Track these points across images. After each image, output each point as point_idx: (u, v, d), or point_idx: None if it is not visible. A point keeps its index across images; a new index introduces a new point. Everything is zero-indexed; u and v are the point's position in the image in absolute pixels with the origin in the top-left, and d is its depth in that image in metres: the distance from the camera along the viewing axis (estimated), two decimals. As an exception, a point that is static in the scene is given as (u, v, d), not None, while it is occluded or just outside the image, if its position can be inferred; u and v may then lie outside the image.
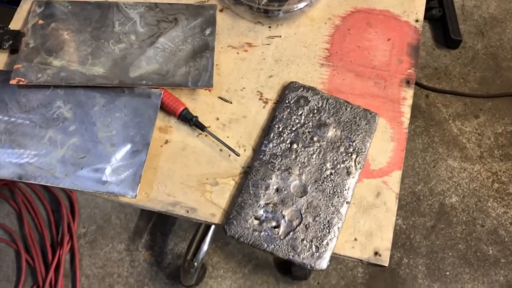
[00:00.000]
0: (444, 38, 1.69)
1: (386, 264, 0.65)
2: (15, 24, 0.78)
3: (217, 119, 0.73)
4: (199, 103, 0.73)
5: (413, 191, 1.50)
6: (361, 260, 0.66)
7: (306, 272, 1.35)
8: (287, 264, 1.36)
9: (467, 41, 1.71)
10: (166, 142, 0.71)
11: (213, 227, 1.35)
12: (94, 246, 1.42)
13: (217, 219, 0.67)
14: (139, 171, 0.67)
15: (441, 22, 1.69)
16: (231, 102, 0.74)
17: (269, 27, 0.79)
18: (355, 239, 0.66)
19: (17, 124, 0.69)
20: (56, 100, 0.71)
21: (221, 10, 0.80)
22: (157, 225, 1.44)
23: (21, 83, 0.71)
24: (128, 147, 0.68)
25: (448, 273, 1.40)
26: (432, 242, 1.44)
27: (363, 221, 0.67)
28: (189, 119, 0.71)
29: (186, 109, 0.71)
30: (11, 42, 0.75)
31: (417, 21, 0.80)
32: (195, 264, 1.29)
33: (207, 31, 0.76)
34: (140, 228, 1.44)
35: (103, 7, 0.78)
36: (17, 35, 0.76)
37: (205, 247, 1.31)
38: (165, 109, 0.72)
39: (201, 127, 0.71)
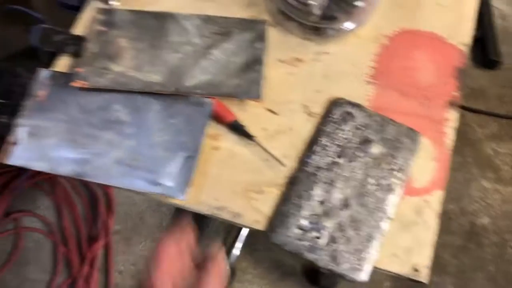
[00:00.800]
0: (483, 58, 1.69)
1: (426, 281, 0.66)
2: (78, 29, 0.83)
3: (264, 129, 0.76)
4: (247, 114, 0.76)
5: (444, 210, 1.49)
6: (400, 275, 0.67)
7: (334, 282, 1.36)
8: (315, 273, 1.38)
9: (506, 62, 1.70)
10: (216, 149, 0.74)
11: (245, 232, 1.38)
12: (128, 243, 1.46)
13: (261, 225, 0.70)
14: (189, 176, 0.70)
15: (480, 42, 1.69)
16: (278, 114, 0.77)
17: (318, 43, 0.82)
18: (395, 255, 0.68)
19: (76, 124, 0.74)
20: (115, 104, 0.75)
21: (272, 25, 0.83)
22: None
23: (83, 86, 0.75)
24: (180, 152, 0.71)
25: (476, 294, 1.40)
26: (461, 262, 1.43)
27: (403, 238, 0.69)
28: (238, 129, 0.74)
29: (235, 119, 0.74)
30: (74, 46, 0.80)
31: (463, 44, 0.82)
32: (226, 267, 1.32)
33: (258, 45, 0.80)
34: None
35: (161, 18, 0.82)
36: (80, 40, 0.80)
37: (236, 251, 1.34)
38: (216, 118, 0.75)
39: (249, 137, 0.74)
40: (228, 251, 1.33)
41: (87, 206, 1.51)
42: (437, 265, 1.41)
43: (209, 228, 1.48)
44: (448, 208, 1.49)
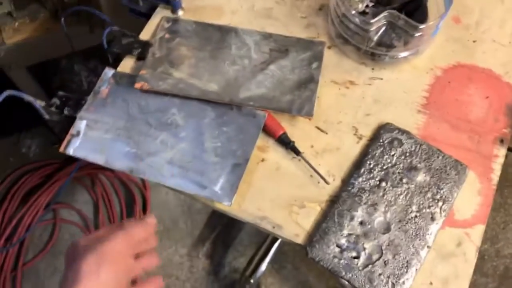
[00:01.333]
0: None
1: (459, 314, 0.66)
2: (144, 35, 0.87)
3: (312, 146, 0.78)
4: (297, 129, 0.79)
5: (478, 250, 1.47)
6: (434, 305, 0.67)
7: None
8: (340, 299, 1.37)
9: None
10: (263, 160, 0.76)
11: (274, 248, 1.39)
12: (158, 246, 1.49)
13: (300, 239, 0.71)
14: (236, 183, 0.73)
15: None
16: (327, 133, 0.79)
17: (372, 68, 0.84)
18: (431, 283, 0.68)
19: (134, 123, 0.78)
20: (172, 107, 0.78)
21: (329, 47, 0.86)
22: (220, 236, 1.50)
23: (144, 87, 0.79)
24: (230, 159, 0.74)
25: None
26: (492, 305, 1.40)
27: (441, 268, 0.69)
28: (286, 143, 0.76)
29: (285, 133, 0.77)
30: (139, 50, 0.84)
31: (518, 83, 0.82)
32: (251, 281, 1.34)
33: (314, 65, 0.82)
34: (204, 236, 1.50)
35: (223, 30, 0.86)
36: (145, 45, 0.85)
37: (263, 266, 1.35)
38: (266, 130, 0.77)
39: (297, 152, 0.76)
40: (257, 264, 1.34)
41: (124, 205, 1.55)
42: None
43: (237, 241, 1.50)
44: (483, 248, 1.46)
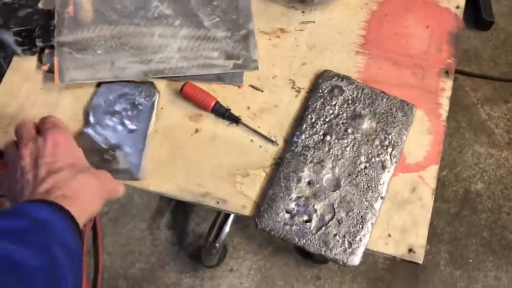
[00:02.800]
0: (475, 19, 1.63)
1: (421, 262, 0.63)
2: None
3: (248, 108, 0.71)
4: (228, 91, 0.71)
5: (438, 177, 1.47)
6: (395, 257, 0.64)
7: (327, 256, 1.35)
8: (308, 248, 1.36)
9: (499, 22, 1.65)
10: (197, 131, 0.69)
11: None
12: (116, 224, 1.43)
13: (247, 211, 0.66)
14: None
15: (472, 2, 1.62)
16: (262, 91, 0.72)
17: (303, 11, 0.76)
18: (389, 235, 0.65)
19: (121, 29, 0.73)
20: (152, 0, 0.74)
21: (253, -6, 0.77)
22: (179, 205, 1.44)
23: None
24: (237, 30, 0.73)
25: (471, 260, 1.39)
26: (456, 229, 1.42)
27: (398, 217, 0.66)
28: (222, 113, 0.69)
29: (217, 103, 0.69)
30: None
31: (457, 7, 0.76)
32: (217, 245, 1.30)
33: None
34: (162, 208, 1.45)
35: None
36: None
37: (227, 229, 1.31)
38: (196, 104, 0.70)
39: (236, 120, 0.69)
40: (219, 228, 1.30)
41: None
42: (432, 233, 1.39)
43: (196, 207, 1.45)
44: (442, 175, 1.46)
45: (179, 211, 1.44)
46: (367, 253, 0.64)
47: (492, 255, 1.39)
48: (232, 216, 1.33)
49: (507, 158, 1.49)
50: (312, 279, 1.38)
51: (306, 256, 1.37)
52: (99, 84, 0.71)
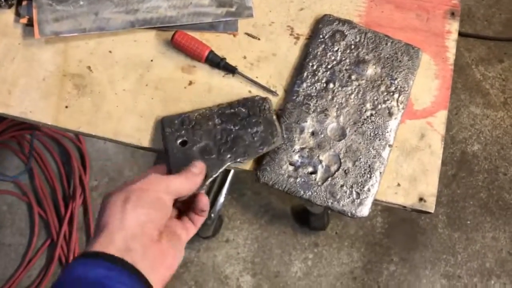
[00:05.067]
0: (469, -23, 1.59)
1: (432, 211, 0.61)
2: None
3: (244, 57, 0.66)
4: (223, 40, 0.67)
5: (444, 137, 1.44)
6: (405, 207, 0.61)
7: (324, 222, 1.32)
8: (305, 215, 1.33)
9: (492, -20, 1.61)
10: (190, 83, 0.65)
11: (229, 178, 1.31)
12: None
13: (248, 165, 0.62)
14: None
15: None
16: (259, 39, 0.67)
17: (299, -46, 0.71)
18: (398, 185, 0.62)
19: None
20: None
21: None
22: (171, 177, 1.40)
23: None
24: None
25: (469, 222, 1.37)
26: (453, 191, 1.40)
27: (407, 165, 0.62)
28: (217, 63, 0.65)
29: (211, 52, 0.65)
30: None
31: None
32: (212, 215, 1.27)
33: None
34: (153, 180, 1.40)
35: None
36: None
37: (221, 199, 1.28)
38: (189, 54, 0.65)
39: (232, 70, 0.65)
40: (214, 199, 1.26)
41: (61, 163, 1.41)
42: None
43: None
44: (438, 138, 1.44)
45: (171, 182, 1.40)
46: (375, 205, 0.61)
47: (490, 216, 1.37)
48: (226, 186, 1.29)
49: (503, 118, 1.47)
50: (310, 246, 1.35)
51: (303, 224, 1.35)
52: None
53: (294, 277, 1.33)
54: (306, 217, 1.33)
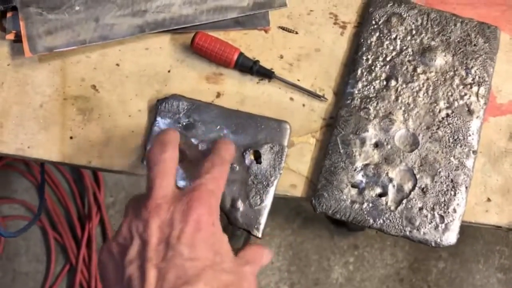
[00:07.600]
0: None
1: (536, 230, 0.49)
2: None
3: (281, 57, 0.54)
4: (253, 38, 0.55)
5: None
6: (500, 227, 0.49)
7: (364, 222, 1.21)
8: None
9: None
10: (218, 95, 0.53)
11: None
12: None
13: (299, 191, 0.51)
14: None
15: None
16: (296, 32, 0.55)
17: None
18: (489, 200, 0.50)
19: None
20: None
21: None
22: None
23: None
24: None
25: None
26: None
27: (496, 175, 0.50)
28: (249, 67, 0.53)
29: (242, 54, 0.53)
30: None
31: None
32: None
33: None
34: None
35: None
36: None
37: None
38: (214, 59, 0.53)
39: (268, 75, 0.53)
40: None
41: (71, 180, 1.31)
42: None
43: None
44: None
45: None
46: (464, 227, 0.49)
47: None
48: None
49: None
50: (350, 249, 1.25)
51: (340, 225, 1.24)
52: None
53: (336, 283, 1.23)
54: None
